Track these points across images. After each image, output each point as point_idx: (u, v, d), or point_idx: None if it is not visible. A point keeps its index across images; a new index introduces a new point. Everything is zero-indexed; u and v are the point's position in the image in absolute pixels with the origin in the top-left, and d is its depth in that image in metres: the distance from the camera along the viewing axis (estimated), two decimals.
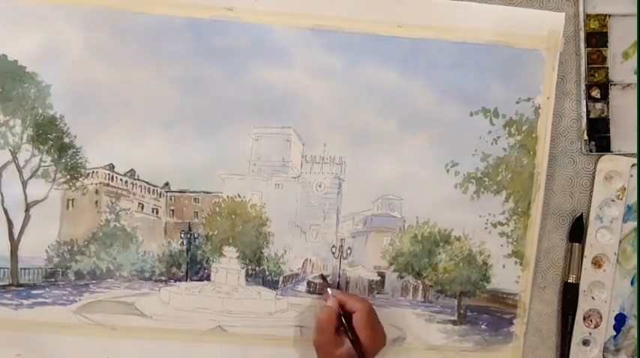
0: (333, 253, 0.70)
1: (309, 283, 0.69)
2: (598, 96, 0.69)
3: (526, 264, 0.70)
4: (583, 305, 0.70)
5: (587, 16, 0.69)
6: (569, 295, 0.70)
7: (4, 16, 0.63)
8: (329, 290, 0.66)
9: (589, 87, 0.69)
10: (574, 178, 0.71)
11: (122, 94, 0.65)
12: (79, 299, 0.67)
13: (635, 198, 0.70)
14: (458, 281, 0.70)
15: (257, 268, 0.69)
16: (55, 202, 0.66)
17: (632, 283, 0.71)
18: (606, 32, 0.69)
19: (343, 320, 0.62)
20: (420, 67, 0.67)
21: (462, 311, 0.70)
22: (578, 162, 0.71)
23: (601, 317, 0.71)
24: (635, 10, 0.68)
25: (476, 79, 0.68)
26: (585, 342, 0.71)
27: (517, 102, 0.68)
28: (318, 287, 0.69)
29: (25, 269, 0.66)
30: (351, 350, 0.61)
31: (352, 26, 0.66)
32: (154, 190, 0.67)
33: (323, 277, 0.69)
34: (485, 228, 0.69)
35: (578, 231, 0.70)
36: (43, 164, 0.66)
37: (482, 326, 0.70)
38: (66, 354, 0.66)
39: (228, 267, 0.69)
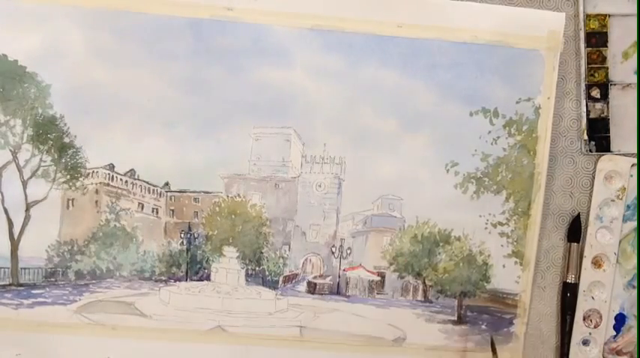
0: (333, 253, 0.70)
1: (309, 283, 0.69)
2: (598, 96, 0.69)
3: (526, 264, 0.70)
4: (583, 305, 0.70)
5: (587, 16, 0.69)
6: (569, 295, 0.70)
7: (4, 16, 0.63)
8: None
9: (589, 87, 0.69)
10: (574, 178, 0.71)
11: (122, 94, 0.65)
12: (79, 299, 0.67)
13: (635, 198, 0.70)
14: (458, 281, 0.70)
15: (257, 268, 0.69)
16: (55, 202, 0.66)
17: (631, 282, 0.71)
18: (606, 32, 0.69)
19: None
20: (420, 67, 0.67)
21: (462, 311, 0.70)
22: (578, 162, 0.71)
23: (601, 317, 0.71)
24: (635, 10, 0.68)
25: (476, 79, 0.68)
26: (585, 342, 0.71)
27: (517, 102, 0.68)
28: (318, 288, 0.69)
29: (25, 268, 0.66)
30: None
31: (352, 26, 0.66)
32: (154, 190, 0.68)
33: None
34: (485, 228, 0.69)
35: (575, 231, 0.70)
36: (43, 164, 0.66)
37: (483, 326, 0.70)
38: (66, 354, 0.66)
39: (228, 266, 0.69)
